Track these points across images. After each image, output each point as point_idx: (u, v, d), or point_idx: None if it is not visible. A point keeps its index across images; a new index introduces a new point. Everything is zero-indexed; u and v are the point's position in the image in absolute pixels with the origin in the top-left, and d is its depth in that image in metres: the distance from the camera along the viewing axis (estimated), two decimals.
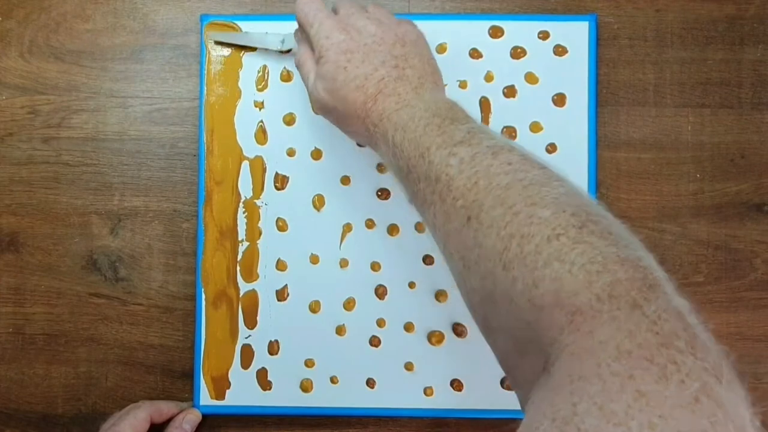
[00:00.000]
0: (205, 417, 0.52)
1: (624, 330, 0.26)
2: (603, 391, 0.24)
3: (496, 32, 0.53)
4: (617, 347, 0.25)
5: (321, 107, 0.43)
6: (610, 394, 0.24)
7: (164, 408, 0.51)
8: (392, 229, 0.53)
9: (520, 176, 0.33)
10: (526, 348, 0.30)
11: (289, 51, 0.52)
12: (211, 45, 0.53)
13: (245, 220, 0.53)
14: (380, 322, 0.52)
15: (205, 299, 0.52)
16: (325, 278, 0.53)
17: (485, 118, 0.53)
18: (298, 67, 0.46)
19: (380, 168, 0.53)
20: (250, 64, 0.53)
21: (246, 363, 0.52)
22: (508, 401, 0.52)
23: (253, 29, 0.53)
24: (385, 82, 0.40)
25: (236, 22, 0.53)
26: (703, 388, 0.24)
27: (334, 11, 0.44)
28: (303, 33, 0.45)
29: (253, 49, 0.53)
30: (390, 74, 0.40)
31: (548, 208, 0.31)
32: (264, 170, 0.53)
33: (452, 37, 0.53)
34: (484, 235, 0.32)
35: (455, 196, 0.34)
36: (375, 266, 0.53)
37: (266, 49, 0.53)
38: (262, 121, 0.53)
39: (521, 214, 0.31)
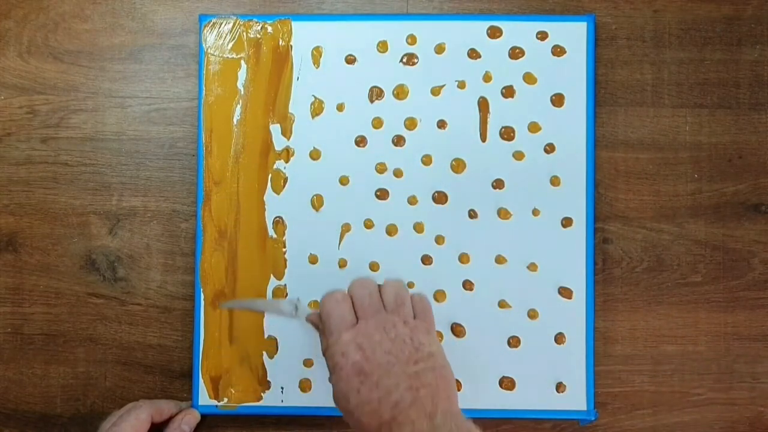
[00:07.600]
0: (204, 417, 0.52)
1: None
2: None
3: (494, 32, 0.53)
4: None
5: (339, 408, 0.44)
6: None
7: (165, 407, 0.51)
8: (391, 229, 0.53)
9: None
10: None
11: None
12: (209, 46, 0.53)
13: None
14: None
15: (204, 299, 0.52)
16: (324, 278, 0.53)
17: (484, 119, 0.53)
18: (323, 352, 0.45)
19: (379, 168, 0.53)
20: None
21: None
22: (506, 401, 0.52)
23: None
24: (399, 408, 0.40)
25: (239, 19, 0.53)
26: None
27: (355, 313, 0.44)
28: (323, 325, 0.45)
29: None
30: (404, 398, 0.41)
31: None
32: None
33: (451, 37, 0.53)
34: None
35: None
36: (374, 266, 0.53)
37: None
38: None
39: None
